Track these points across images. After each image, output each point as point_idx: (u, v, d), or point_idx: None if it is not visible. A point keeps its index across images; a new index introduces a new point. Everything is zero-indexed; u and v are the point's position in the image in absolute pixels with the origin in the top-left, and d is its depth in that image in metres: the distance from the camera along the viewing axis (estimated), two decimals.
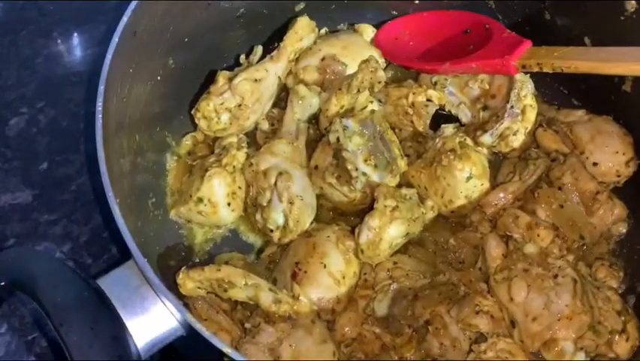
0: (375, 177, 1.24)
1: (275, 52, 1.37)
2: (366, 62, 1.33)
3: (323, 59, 1.36)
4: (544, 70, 1.21)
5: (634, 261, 1.26)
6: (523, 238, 1.19)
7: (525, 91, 1.27)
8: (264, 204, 1.24)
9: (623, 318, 1.14)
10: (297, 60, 1.39)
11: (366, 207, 1.25)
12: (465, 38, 1.37)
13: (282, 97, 1.39)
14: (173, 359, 1.22)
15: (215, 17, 1.33)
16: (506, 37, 1.29)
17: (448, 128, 1.30)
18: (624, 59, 1.14)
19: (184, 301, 1.14)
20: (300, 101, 1.33)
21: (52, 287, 0.98)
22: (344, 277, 1.17)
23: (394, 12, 1.50)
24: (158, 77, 1.27)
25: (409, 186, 1.27)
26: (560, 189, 1.23)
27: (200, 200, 1.24)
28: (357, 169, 1.22)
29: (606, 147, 1.27)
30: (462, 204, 1.25)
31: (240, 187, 1.27)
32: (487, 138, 1.30)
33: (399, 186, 1.26)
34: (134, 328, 1.00)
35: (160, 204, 1.30)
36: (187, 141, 1.35)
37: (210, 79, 1.36)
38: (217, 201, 1.24)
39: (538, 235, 1.19)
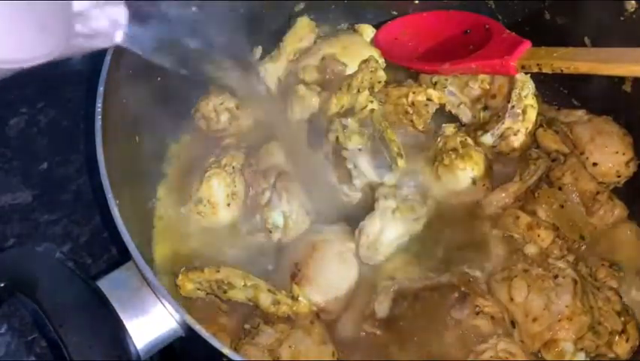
0: (375, 176, 1.23)
1: (275, 52, 1.37)
2: (366, 62, 1.32)
3: (323, 59, 1.36)
4: (544, 70, 1.21)
5: None
6: (523, 239, 1.19)
7: (526, 91, 1.27)
8: (263, 204, 1.24)
9: (623, 319, 1.14)
10: (297, 60, 1.39)
11: (366, 207, 1.25)
12: (465, 38, 1.37)
13: None
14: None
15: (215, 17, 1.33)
16: (506, 38, 1.29)
17: (449, 128, 1.30)
18: (624, 60, 1.13)
19: (183, 302, 1.14)
20: (300, 101, 1.33)
21: (52, 288, 0.98)
22: (343, 278, 1.17)
23: (394, 12, 1.50)
24: (158, 78, 1.27)
25: (409, 186, 1.27)
26: (560, 189, 1.23)
27: (200, 200, 1.24)
28: (356, 168, 1.22)
29: (606, 147, 1.27)
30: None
31: (239, 188, 1.27)
32: (487, 138, 1.29)
33: (399, 186, 1.26)
34: (133, 329, 1.00)
35: (160, 204, 1.30)
36: (187, 142, 1.35)
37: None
38: (216, 201, 1.24)
39: (538, 236, 1.18)
